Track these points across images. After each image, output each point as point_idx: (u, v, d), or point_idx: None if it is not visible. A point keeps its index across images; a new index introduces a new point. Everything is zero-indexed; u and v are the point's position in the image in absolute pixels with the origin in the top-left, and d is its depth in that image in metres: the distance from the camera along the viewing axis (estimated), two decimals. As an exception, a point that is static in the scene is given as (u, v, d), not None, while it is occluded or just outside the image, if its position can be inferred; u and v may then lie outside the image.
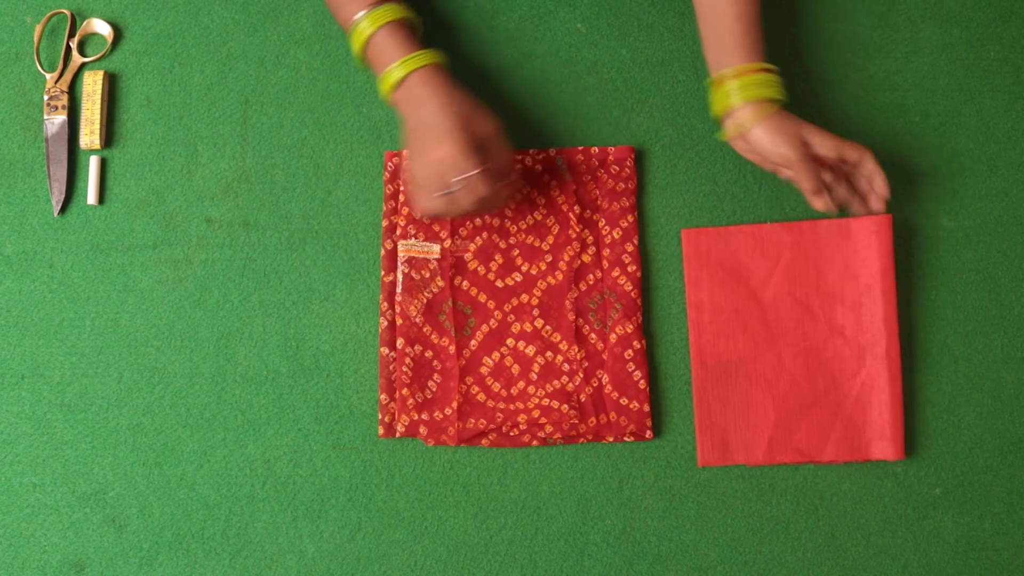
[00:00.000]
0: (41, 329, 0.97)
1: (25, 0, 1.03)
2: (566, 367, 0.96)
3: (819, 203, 0.91)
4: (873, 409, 0.94)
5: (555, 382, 0.95)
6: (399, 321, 0.96)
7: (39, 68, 1.01)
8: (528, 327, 0.96)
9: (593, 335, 0.96)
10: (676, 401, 0.96)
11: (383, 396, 0.95)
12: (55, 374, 0.97)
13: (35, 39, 1.02)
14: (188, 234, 0.99)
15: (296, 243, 0.99)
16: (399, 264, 0.97)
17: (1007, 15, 1.02)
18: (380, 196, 0.99)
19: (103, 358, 0.97)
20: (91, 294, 0.98)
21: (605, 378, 0.95)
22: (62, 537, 0.94)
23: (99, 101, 1.00)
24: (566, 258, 0.97)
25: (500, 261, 0.97)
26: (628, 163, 0.99)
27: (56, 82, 1.01)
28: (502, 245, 0.98)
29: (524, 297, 0.97)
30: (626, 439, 0.94)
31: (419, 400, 0.95)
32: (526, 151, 0.99)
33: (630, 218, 0.98)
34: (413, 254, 0.97)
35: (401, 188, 0.98)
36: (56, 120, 1.00)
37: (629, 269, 0.97)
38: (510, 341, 0.96)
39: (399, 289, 0.96)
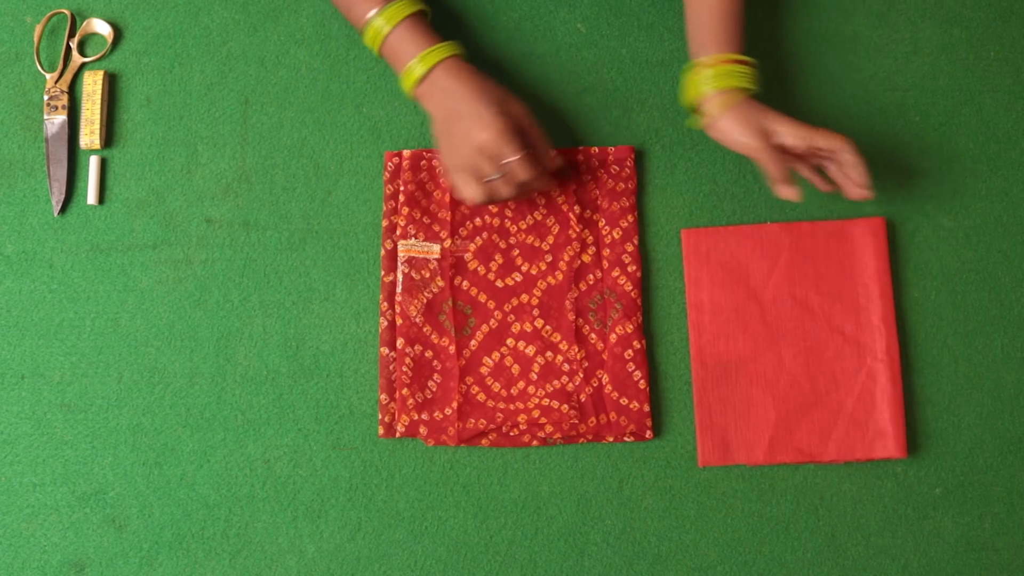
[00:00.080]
0: (41, 329, 0.97)
1: (25, 0, 1.03)
2: (566, 367, 0.96)
3: (780, 192, 0.90)
4: (874, 407, 0.94)
5: (555, 382, 0.95)
6: (399, 321, 0.96)
7: (39, 68, 1.01)
8: (528, 327, 0.96)
9: (593, 335, 0.96)
10: (676, 401, 0.96)
11: (383, 396, 0.95)
12: (55, 374, 0.97)
13: (35, 39, 1.02)
14: (188, 234, 0.99)
15: (296, 243, 0.99)
16: (399, 264, 0.97)
17: (1007, 15, 1.02)
18: (380, 196, 0.99)
19: (103, 358, 0.97)
20: (91, 294, 0.98)
21: (605, 378, 0.95)
22: (62, 537, 0.94)
23: (99, 101, 1.00)
24: (566, 258, 0.97)
25: (500, 261, 0.97)
26: (628, 163, 0.99)
27: (56, 82, 1.01)
28: (502, 245, 0.98)
29: (524, 297, 0.97)
30: (626, 439, 0.94)
31: (419, 400, 0.95)
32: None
33: (630, 218, 0.98)
34: (413, 254, 0.97)
35: (401, 188, 0.98)
36: (56, 120, 1.00)
37: (629, 269, 0.97)
38: (510, 341, 0.96)
39: (399, 289, 0.96)
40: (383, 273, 0.97)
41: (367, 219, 0.99)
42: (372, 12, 0.91)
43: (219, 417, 0.96)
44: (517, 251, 0.98)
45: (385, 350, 0.96)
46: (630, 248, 0.97)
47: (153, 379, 0.96)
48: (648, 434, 0.94)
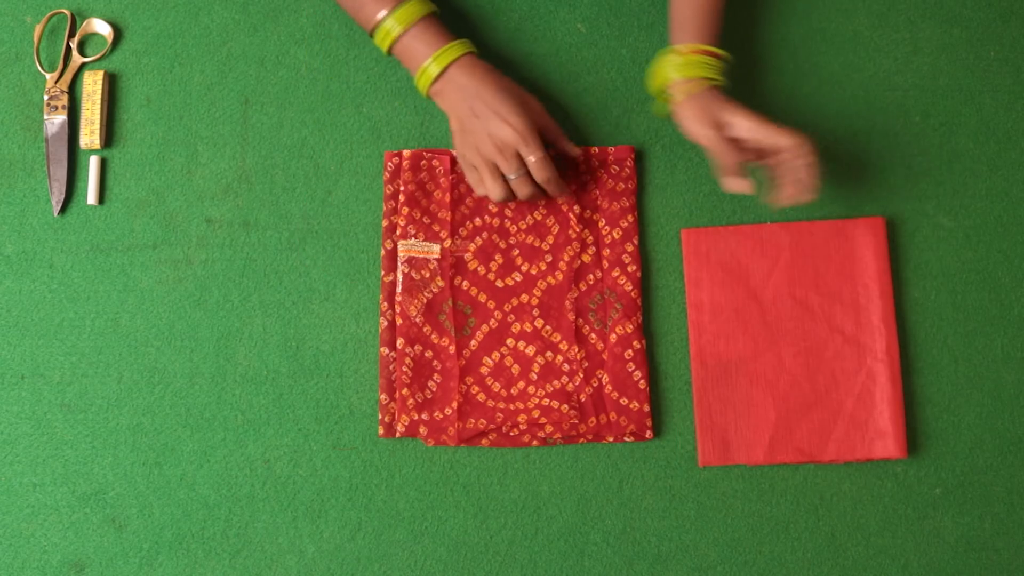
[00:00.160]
0: (41, 329, 0.97)
1: (25, 0, 1.03)
2: (566, 367, 0.96)
3: (728, 184, 0.91)
4: (874, 407, 0.94)
5: (555, 382, 0.95)
6: (399, 321, 0.96)
7: (39, 68, 1.01)
8: (528, 327, 0.96)
9: (593, 335, 0.96)
10: (676, 401, 0.96)
11: (383, 396, 0.95)
12: (55, 374, 0.97)
13: (35, 39, 1.02)
14: (188, 234, 0.99)
15: (296, 243, 0.99)
16: (399, 264, 0.97)
17: (1007, 15, 1.02)
18: (380, 196, 0.99)
19: (103, 358, 0.97)
20: (91, 294, 0.98)
21: (605, 378, 0.95)
22: (62, 537, 0.94)
23: (99, 101, 1.00)
24: (566, 258, 0.97)
25: (500, 261, 0.97)
26: (628, 163, 0.99)
27: (56, 82, 1.01)
28: (502, 245, 0.98)
29: (524, 297, 0.97)
30: (626, 439, 0.94)
31: (419, 400, 0.95)
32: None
33: (630, 218, 0.98)
34: (413, 254, 0.97)
35: (401, 188, 0.98)
36: (56, 120, 1.00)
37: (629, 269, 0.97)
38: (510, 341, 0.96)
39: (399, 289, 0.96)
40: (383, 273, 0.97)
41: (367, 219, 0.99)
42: (382, 13, 0.92)
43: (219, 417, 0.96)
44: (517, 251, 0.98)
45: (385, 350, 0.96)
46: (630, 248, 0.97)
47: (153, 379, 0.96)
48: (648, 434, 0.94)
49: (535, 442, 0.94)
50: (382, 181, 0.99)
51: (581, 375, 0.95)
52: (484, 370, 0.96)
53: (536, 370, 0.96)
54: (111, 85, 1.02)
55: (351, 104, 1.01)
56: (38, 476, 0.95)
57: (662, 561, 0.94)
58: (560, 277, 0.97)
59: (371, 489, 0.95)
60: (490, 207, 0.98)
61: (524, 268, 0.97)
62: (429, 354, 0.96)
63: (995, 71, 1.02)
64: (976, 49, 1.02)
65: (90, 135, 0.99)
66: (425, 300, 0.96)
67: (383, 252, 0.97)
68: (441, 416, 0.95)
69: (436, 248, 0.97)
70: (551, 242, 0.98)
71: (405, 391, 0.95)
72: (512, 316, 0.97)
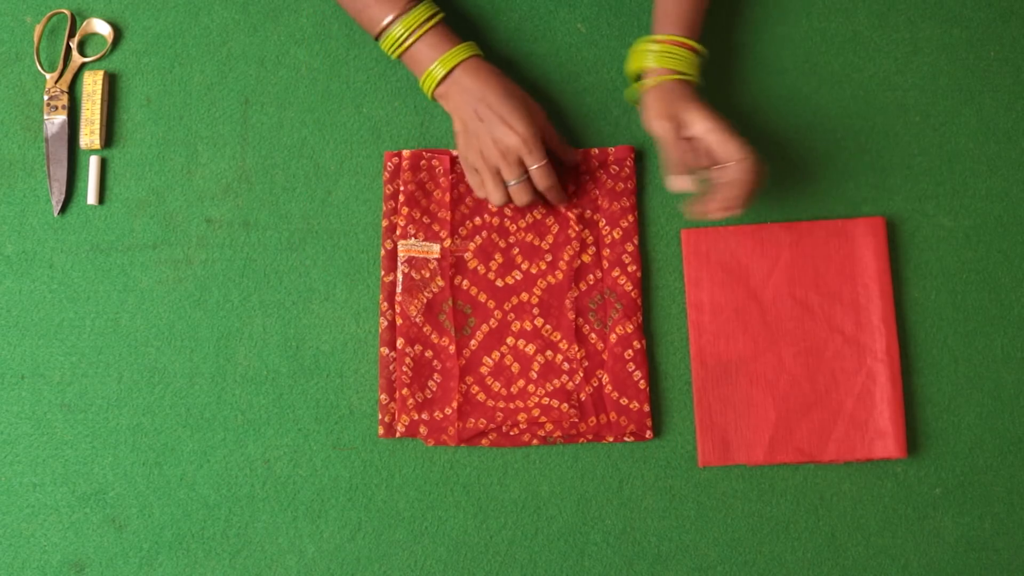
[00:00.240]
0: (41, 329, 0.97)
1: (25, 0, 1.03)
2: (566, 366, 0.96)
3: (670, 183, 0.91)
4: (874, 407, 0.94)
5: (555, 381, 0.95)
6: (399, 321, 0.96)
7: (39, 68, 1.01)
8: (528, 326, 0.96)
9: (593, 335, 0.96)
10: (676, 401, 0.96)
11: (383, 396, 0.95)
12: (55, 374, 0.97)
13: (35, 39, 1.02)
14: (188, 234, 0.99)
15: (296, 243, 0.99)
16: (399, 264, 0.97)
17: (1007, 15, 1.02)
18: (380, 196, 0.99)
19: (103, 358, 0.97)
20: (91, 294, 0.98)
21: (605, 378, 0.95)
22: (62, 537, 0.94)
23: (99, 101, 1.00)
24: (566, 257, 0.97)
25: (500, 260, 0.97)
26: (628, 163, 0.99)
27: (56, 82, 1.01)
28: (502, 244, 0.98)
29: (524, 296, 0.97)
30: (626, 439, 0.94)
31: (419, 400, 0.95)
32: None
33: (630, 218, 0.98)
34: (413, 254, 0.97)
35: (401, 188, 0.98)
36: (56, 120, 1.00)
37: (629, 269, 0.97)
38: (510, 340, 0.96)
39: (399, 289, 0.96)
40: (383, 273, 0.97)
41: (367, 219, 0.99)
42: (389, 18, 0.92)
43: (219, 417, 0.96)
44: (517, 250, 0.98)
45: (385, 350, 0.96)
46: (630, 248, 0.97)
47: (153, 379, 0.96)
48: (648, 434, 0.94)
49: (535, 441, 0.94)
50: (382, 181, 0.99)
51: (581, 374, 0.95)
52: (484, 369, 0.96)
53: (536, 369, 0.96)
54: (111, 85, 1.02)
55: (351, 104, 1.01)
56: (38, 476, 0.95)
57: (662, 561, 0.94)
58: (560, 276, 0.97)
59: (371, 489, 0.95)
60: (490, 206, 0.98)
61: (524, 267, 0.97)
62: (429, 354, 0.96)
63: (995, 71, 1.02)
64: (976, 49, 1.02)
65: (90, 135, 0.99)
66: (425, 300, 0.96)
67: (383, 252, 0.97)
68: (441, 416, 0.95)
69: (436, 248, 0.97)
70: (551, 241, 0.98)
71: (405, 391, 0.95)
72: (512, 315, 0.97)
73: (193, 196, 0.99)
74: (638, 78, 0.95)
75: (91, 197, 0.99)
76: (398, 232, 0.97)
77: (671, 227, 0.99)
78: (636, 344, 0.95)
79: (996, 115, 1.01)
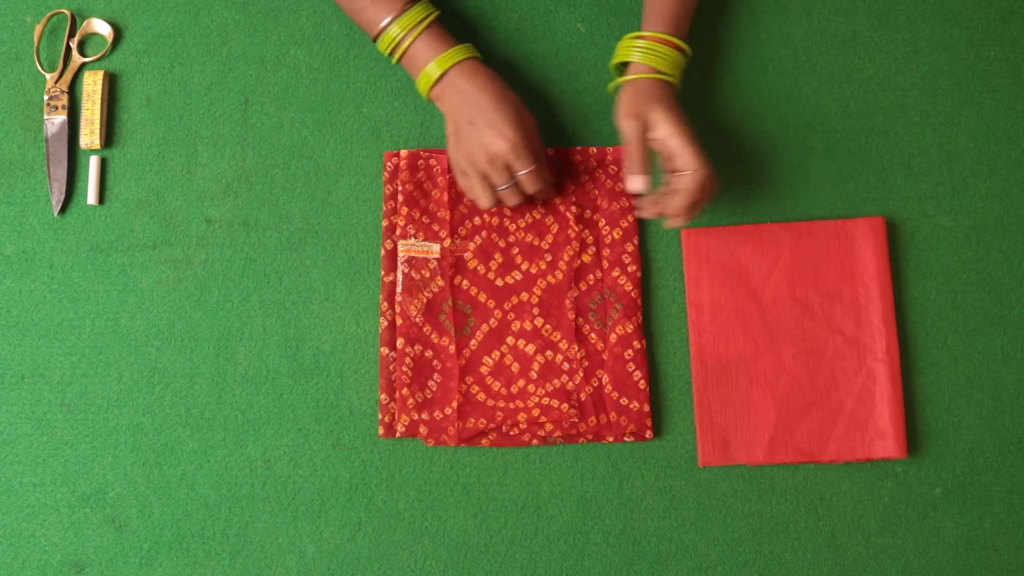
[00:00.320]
0: (41, 329, 0.97)
1: (25, 0, 1.03)
2: (566, 366, 0.96)
3: (626, 182, 0.92)
4: (874, 407, 0.94)
5: (555, 381, 0.95)
6: (399, 321, 0.96)
7: (39, 68, 1.01)
8: (528, 326, 0.96)
9: (593, 335, 0.96)
10: (676, 401, 0.96)
11: (383, 396, 0.95)
12: (55, 374, 0.97)
13: (35, 39, 1.02)
14: (188, 234, 0.99)
15: (296, 243, 0.99)
16: (399, 264, 0.97)
17: (1007, 15, 1.02)
18: (380, 196, 0.99)
19: (103, 358, 0.97)
20: (91, 294, 0.98)
21: (605, 378, 0.95)
22: (62, 537, 0.94)
23: (99, 101, 1.00)
24: (566, 257, 0.97)
25: (500, 260, 0.97)
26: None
27: (56, 82, 1.01)
28: (501, 244, 0.98)
29: (524, 295, 0.97)
30: (626, 439, 0.94)
31: (419, 400, 0.95)
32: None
33: (630, 218, 0.98)
34: (413, 254, 0.97)
35: (400, 188, 0.98)
36: (56, 120, 1.00)
37: (629, 269, 0.97)
38: (510, 340, 0.96)
39: (399, 289, 0.96)
40: (383, 273, 0.97)
41: (367, 219, 0.99)
42: (387, 20, 0.92)
43: (219, 417, 0.96)
44: (517, 249, 0.98)
45: (385, 350, 0.96)
46: (630, 248, 0.97)
47: (153, 379, 0.96)
48: (648, 434, 0.94)
49: (535, 441, 0.94)
50: (382, 181, 0.99)
51: (581, 374, 0.95)
52: (484, 369, 0.96)
53: (536, 369, 0.96)
54: (111, 85, 1.02)
55: (351, 104, 1.01)
56: (38, 476, 0.95)
57: (662, 561, 0.94)
58: (560, 276, 0.97)
59: (371, 489, 0.95)
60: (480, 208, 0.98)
61: (524, 267, 0.97)
62: (429, 354, 0.96)
63: (995, 71, 1.02)
64: (976, 49, 1.02)
65: (90, 135, 0.99)
66: (425, 300, 0.96)
67: (383, 252, 0.97)
68: (441, 416, 0.95)
69: (436, 248, 0.97)
70: (551, 241, 0.98)
71: (405, 391, 0.95)
72: (512, 314, 0.96)
73: (193, 196, 0.99)
74: (621, 73, 0.95)
75: (91, 197, 0.99)
76: (398, 232, 0.97)
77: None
78: (636, 344, 0.95)
79: (996, 115, 1.01)
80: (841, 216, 0.98)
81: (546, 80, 1.01)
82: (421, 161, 0.99)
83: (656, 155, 0.92)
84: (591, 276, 0.97)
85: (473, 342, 0.96)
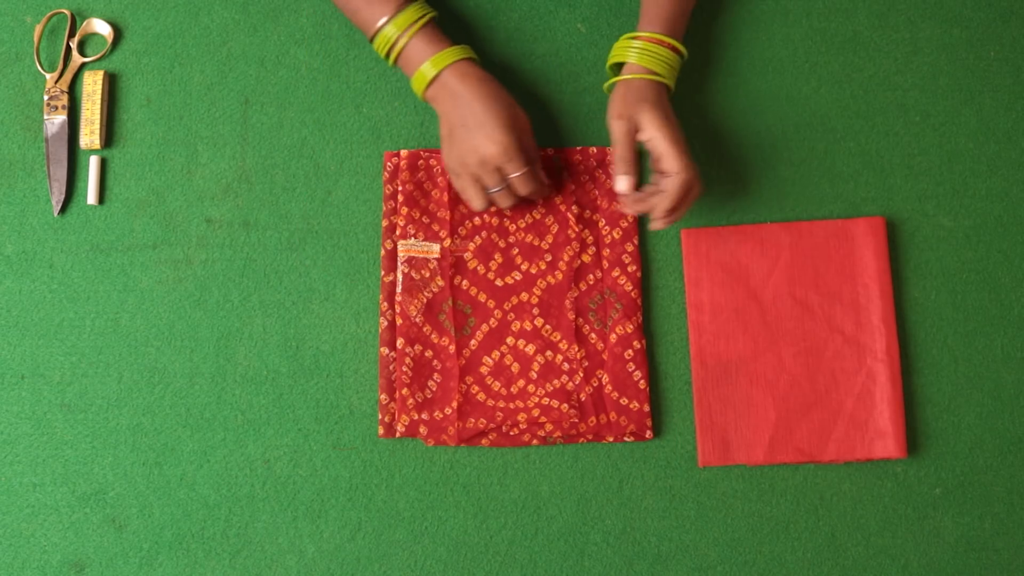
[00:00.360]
0: (41, 329, 0.97)
1: (25, 0, 1.03)
2: (566, 366, 0.96)
3: (615, 183, 0.93)
4: (874, 407, 0.94)
5: (555, 381, 0.95)
6: (399, 321, 0.96)
7: (39, 68, 1.01)
8: (528, 326, 0.96)
9: (593, 335, 0.96)
10: (676, 401, 0.96)
11: (383, 396, 0.95)
12: (55, 374, 0.97)
13: (35, 39, 1.02)
14: (188, 234, 0.99)
15: (296, 243, 0.99)
16: (399, 264, 0.97)
17: (1007, 15, 1.02)
18: (380, 196, 0.99)
19: (103, 358, 0.97)
20: (91, 294, 0.98)
21: (605, 378, 0.95)
22: (62, 537, 0.94)
23: (99, 101, 1.00)
24: (566, 258, 0.97)
25: (500, 260, 0.97)
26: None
27: (56, 82, 1.01)
28: (501, 244, 0.98)
29: (524, 296, 0.97)
30: (626, 439, 0.94)
31: (419, 400, 0.95)
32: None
33: (630, 218, 0.98)
34: (413, 254, 0.97)
35: (400, 188, 0.98)
36: (56, 120, 1.00)
37: (629, 269, 0.97)
38: (510, 340, 0.96)
39: (399, 289, 0.96)
40: (383, 273, 0.97)
41: (367, 219, 0.99)
42: (383, 20, 0.92)
43: (219, 417, 0.96)
44: (516, 250, 0.98)
45: (385, 350, 0.96)
46: (630, 248, 0.97)
47: (153, 379, 0.96)
48: (648, 434, 0.94)
49: (535, 441, 0.94)
50: (382, 181, 0.99)
51: (581, 374, 0.95)
52: (484, 369, 0.96)
53: (536, 369, 0.96)
54: (111, 85, 1.02)
55: (351, 104, 1.01)
56: (38, 476, 0.95)
57: (662, 561, 0.94)
58: (560, 276, 0.97)
59: (371, 489, 0.95)
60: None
61: (524, 267, 0.97)
62: (429, 354, 0.96)
63: (995, 71, 1.02)
64: (976, 49, 1.02)
65: (90, 135, 0.99)
66: (425, 300, 0.96)
67: (383, 252, 0.97)
68: (441, 416, 0.95)
69: (436, 248, 0.97)
70: (550, 241, 0.98)
71: (405, 391, 0.95)
72: (512, 315, 0.96)
73: (193, 196, 0.99)
74: (617, 73, 0.95)
75: (91, 197, 0.99)
76: (398, 232, 0.97)
77: (671, 227, 0.99)
78: (636, 344, 0.95)
79: (996, 115, 1.01)
80: (841, 216, 0.98)
81: (546, 80, 1.01)
82: (421, 161, 0.99)
83: (647, 154, 0.92)
84: (591, 276, 0.97)
85: (473, 342, 0.96)
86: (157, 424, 0.96)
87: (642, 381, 0.95)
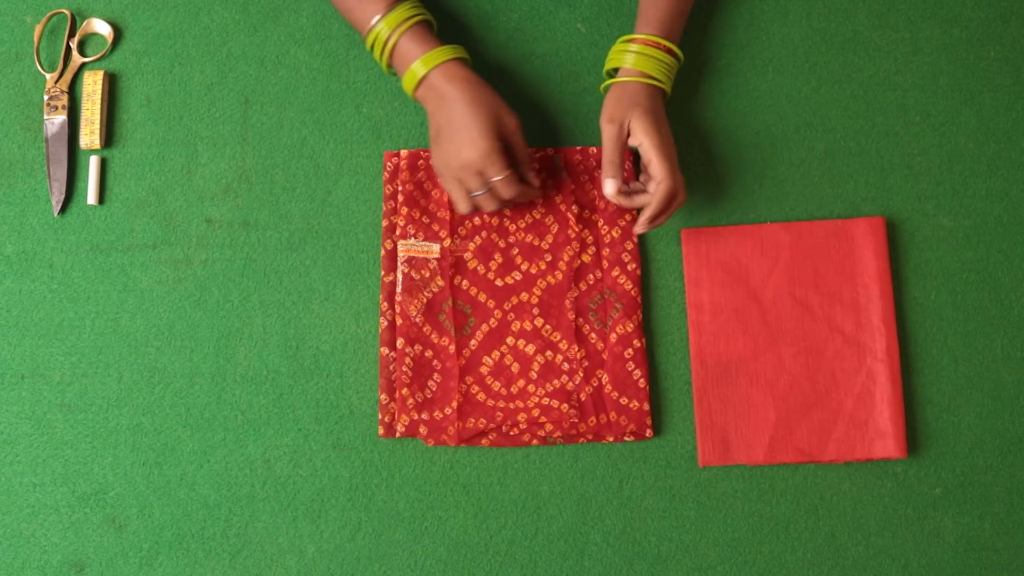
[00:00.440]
0: (41, 329, 0.97)
1: (25, 0, 1.03)
2: (566, 366, 0.96)
3: (602, 186, 0.93)
4: (874, 407, 0.94)
5: (555, 381, 0.95)
6: (399, 321, 0.96)
7: (39, 68, 1.01)
8: (528, 326, 0.96)
9: (593, 334, 0.96)
10: (676, 401, 0.96)
11: (383, 396, 0.95)
12: (55, 374, 0.97)
13: (35, 39, 1.02)
14: (188, 234, 0.99)
15: (296, 243, 0.99)
16: (399, 264, 0.97)
17: (1007, 15, 1.02)
18: (380, 196, 0.99)
19: (103, 358, 0.97)
20: (91, 294, 0.98)
21: (605, 378, 0.95)
22: (62, 537, 0.94)
23: (99, 101, 1.00)
24: (566, 257, 0.97)
25: (500, 260, 0.97)
26: (627, 163, 0.99)
27: (56, 82, 1.01)
28: (501, 244, 0.98)
29: (524, 296, 0.97)
30: (626, 439, 0.94)
31: (419, 400, 0.95)
32: (526, 151, 0.99)
33: (628, 217, 0.98)
34: (413, 254, 0.97)
35: (400, 188, 0.98)
36: (56, 120, 1.00)
37: (629, 268, 0.97)
38: (510, 340, 0.96)
39: (399, 289, 0.96)
40: (383, 273, 0.97)
41: (367, 219, 0.99)
42: (376, 18, 0.92)
43: (219, 417, 0.96)
44: (516, 250, 0.98)
45: (385, 350, 0.96)
46: (630, 247, 0.97)
47: (153, 379, 0.96)
48: (648, 433, 0.94)
49: (535, 441, 0.94)
50: (382, 181, 0.99)
51: (581, 374, 0.95)
52: (484, 369, 0.96)
53: (536, 369, 0.96)
54: (111, 85, 1.02)
55: (351, 104, 1.01)
56: (38, 476, 0.95)
57: (662, 561, 0.94)
58: (560, 276, 0.97)
59: (371, 489, 0.95)
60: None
61: (524, 267, 0.97)
62: (429, 354, 0.96)
63: (995, 71, 1.02)
64: (976, 49, 1.02)
65: (90, 135, 0.99)
66: (425, 300, 0.96)
67: (383, 252, 0.97)
68: (441, 416, 0.95)
69: (436, 248, 0.97)
70: (550, 241, 0.98)
71: (405, 391, 0.95)
72: (512, 315, 0.96)
73: (193, 196, 0.99)
74: (614, 76, 0.95)
75: (91, 197, 0.99)
76: (398, 232, 0.97)
77: (671, 227, 0.99)
78: (636, 343, 0.95)
79: (996, 115, 1.01)
80: (841, 216, 0.98)
81: (546, 80, 1.01)
82: (421, 161, 0.99)
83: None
84: (591, 276, 0.97)
85: (473, 342, 0.96)
86: (157, 424, 0.96)
87: (642, 380, 0.95)
